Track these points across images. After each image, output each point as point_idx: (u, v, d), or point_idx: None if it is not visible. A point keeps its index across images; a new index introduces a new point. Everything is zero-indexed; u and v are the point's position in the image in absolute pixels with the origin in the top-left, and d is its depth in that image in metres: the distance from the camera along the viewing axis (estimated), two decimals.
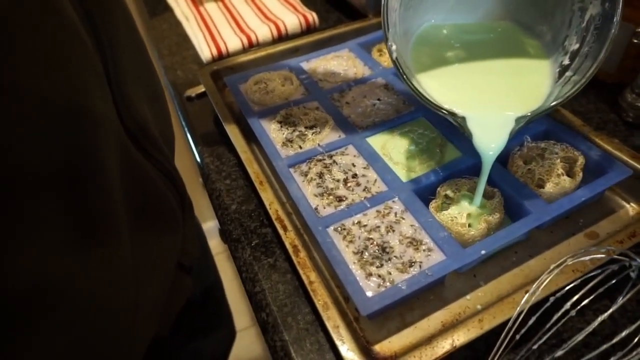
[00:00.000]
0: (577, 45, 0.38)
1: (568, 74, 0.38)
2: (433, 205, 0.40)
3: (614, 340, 0.30)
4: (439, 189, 0.41)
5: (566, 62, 0.38)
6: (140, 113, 0.35)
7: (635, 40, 0.46)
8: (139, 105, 0.35)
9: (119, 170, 0.29)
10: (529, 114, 0.36)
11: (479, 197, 0.39)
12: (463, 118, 0.38)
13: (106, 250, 0.28)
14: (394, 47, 0.37)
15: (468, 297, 0.36)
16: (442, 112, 0.37)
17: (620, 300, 0.31)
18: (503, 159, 0.44)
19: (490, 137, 0.37)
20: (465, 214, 0.39)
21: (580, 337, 0.30)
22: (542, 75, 0.40)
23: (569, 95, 0.35)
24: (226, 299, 0.73)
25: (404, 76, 0.37)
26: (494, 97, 0.40)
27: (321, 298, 0.34)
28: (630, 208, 0.42)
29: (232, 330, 0.76)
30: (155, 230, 0.35)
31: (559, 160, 0.42)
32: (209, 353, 0.68)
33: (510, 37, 0.45)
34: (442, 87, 0.40)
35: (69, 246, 0.26)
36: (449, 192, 0.41)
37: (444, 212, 0.40)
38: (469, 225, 0.38)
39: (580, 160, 0.42)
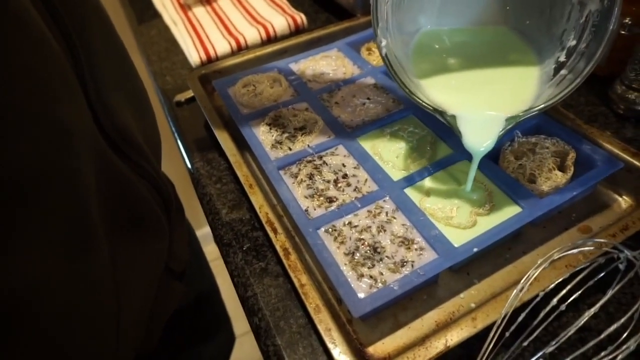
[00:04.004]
0: (575, 42, 0.38)
1: (563, 72, 0.38)
2: (423, 199, 0.40)
3: (601, 337, 0.30)
4: (427, 179, 0.41)
5: (562, 58, 0.38)
6: (121, 119, 0.34)
7: (623, 32, 0.46)
8: (120, 111, 0.35)
9: (95, 177, 0.29)
10: (520, 114, 0.36)
11: (470, 183, 0.39)
12: (453, 117, 0.37)
13: (84, 258, 0.28)
14: (383, 42, 0.36)
15: (462, 295, 0.36)
16: (431, 110, 0.37)
17: (610, 293, 0.31)
18: (494, 155, 0.43)
19: (479, 137, 0.36)
20: (455, 208, 0.39)
21: (570, 332, 0.30)
22: (534, 77, 0.40)
23: (563, 95, 0.35)
24: (223, 304, 0.73)
25: (393, 72, 0.36)
26: (485, 97, 0.40)
27: (313, 301, 0.34)
28: (623, 201, 0.41)
29: (231, 336, 0.76)
30: (137, 236, 0.35)
31: (550, 155, 0.42)
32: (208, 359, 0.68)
33: (504, 41, 0.45)
34: (434, 87, 0.40)
35: (45, 254, 0.25)
36: (438, 185, 0.41)
37: (433, 206, 0.39)
38: (458, 219, 0.38)
39: (572, 154, 0.41)
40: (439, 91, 0.40)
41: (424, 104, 0.37)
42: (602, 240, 0.33)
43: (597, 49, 0.35)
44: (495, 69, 0.43)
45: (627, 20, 0.46)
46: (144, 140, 0.39)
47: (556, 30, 0.41)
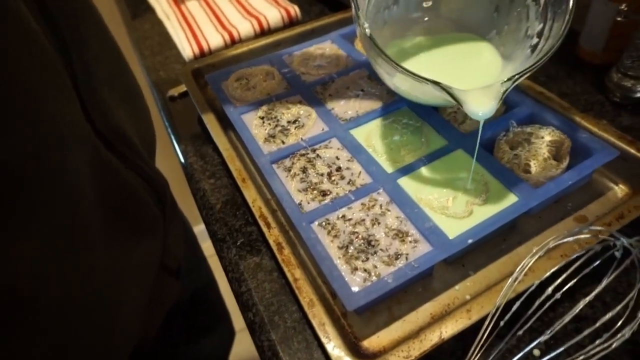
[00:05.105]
0: (541, 26, 0.39)
1: (540, 45, 0.39)
2: (418, 190, 0.39)
3: (596, 325, 0.29)
4: (422, 170, 0.41)
5: (534, 41, 0.39)
6: (115, 116, 0.34)
7: (620, 19, 0.46)
8: (113, 108, 0.35)
9: (90, 174, 0.29)
10: (514, 76, 0.35)
11: (474, 159, 0.40)
12: (449, 87, 0.36)
13: (79, 254, 0.28)
14: (366, 24, 0.36)
15: (457, 287, 0.36)
16: (425, 82, 0.35)
17: (605, 282, 0.30)
18: (489, 146, 0.43)
19: (481, 103, 0.34)
20: (451, 198, 0.39)
21: (564, 320, 0.30)
22: (515, 54, 0.42)
23: (545, 58, 0.35)
24: (222, 299, 0.73)
25: (380, 50, 0.35)
26: (476, 71, 0.42)
27: (306, 295, 0.34)
28: (619, 189, 0.41)
29: (230, 331, 0.76)
30: (132, 233, 0.35)
31: (545, 145, 0.41)
32: (207, 355, 0.68)
33: (473, 38, 0.48)
34: (424, 70, 0.40)
35: (40, 250, 0.25)
36: (434, 176, 0.40)
37: (429, 196, 0.39)
38: (454, 209, 0.38)
39: (567, 143, 0.41)
40: (431, 72, 0.39)
41: (417, 76, 0.35)
42: (598, 228, 0.33)
43: (564, 19, 0.36)
44: (477, 51, 0.46)
45: (623, 7, 0.46)
46: (138, 137, 0.39)
47: (519, 34, 0.43)
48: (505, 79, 0.35)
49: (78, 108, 0.29)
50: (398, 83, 0.41)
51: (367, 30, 0.36)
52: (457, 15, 0.50)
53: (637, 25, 0.45)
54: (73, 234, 0.28)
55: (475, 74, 0.44)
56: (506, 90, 0.35)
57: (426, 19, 0.52)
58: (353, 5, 0.37)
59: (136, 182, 0.35)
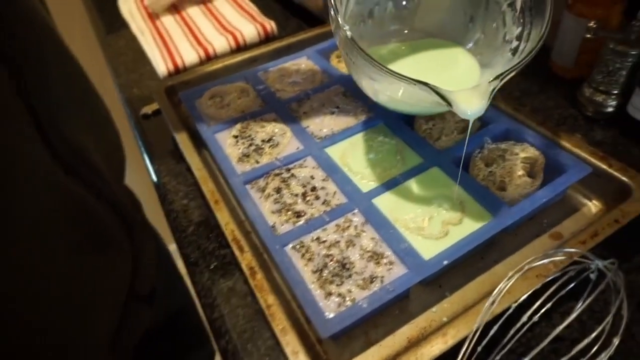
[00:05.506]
0: (520, 29, 0.39)
1: (521, 47, 0.39)
2: (393, 210, 0.39)
3: (572, 353, 0.29)
4: (397, 189, 0.41)
5: (514, 45, 0.40)
6: (77, 141, 0.33)
7: (589, 35, 0.46)
8: (76, 132, 0.34)
9: (46, 199, 0.28)
10: (502, 74, 0.34)
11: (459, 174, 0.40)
12: (437, 87, 0.35)
13: (33, 280, 0.27)
14: (346, 26, 0.35)
15: (434, 309, 0.35)
16: (412, 83, 0.34)
17: (580, 305, 0.30)
18: (464, 163, 0.43)
19: (468, 103, 0.33)
20: (426, 218, 0.38)
21: (543, 344, 0.29)
22: (495, 60, 0.42)
23: (532, 52, 0.35)
24: (201, 320, 0.71)
25: (363, 52, 0.34)
26: (455, 78, 0.42)
27: (280, 322, 0.33)
28: (593, 205, 0.41)
29: (210, 352, 0.74)
30: (96, 257, 0.34)
31: (519, 161, 0.41)
32: None
33: (449, 44, 0.49)
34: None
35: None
36: (409, 195, 0.40)
37: (405, 217, 0.38)
38: (430, 229, 0.37)
39: (541, 160, 0.41)
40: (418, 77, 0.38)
41: (404, 77, 0.34)
42: (572, 250, 0.32)
43: (542, 20, 0.36)
44: (451, 62, 0.47)
45: (592, 24, 0.46)
46: (104, 159, 0.38)
47: (497, 41, 0.43)
48: (492, 78, 0.34)
49: (33, 134, 0.28)
50: (380, 88, 0.40)
51: (348, 33, 0.35)
52: (432, 28, 0.50)
53: (605, 41, 0.46)
54: (26, 260, 0.27)
55: (454, 81, 0.44)
56: (494, 89, 0.33)
57: (405, 31, 0.51)
58: (332, 10, 0.36)
59: (100, 208, 0.34)
